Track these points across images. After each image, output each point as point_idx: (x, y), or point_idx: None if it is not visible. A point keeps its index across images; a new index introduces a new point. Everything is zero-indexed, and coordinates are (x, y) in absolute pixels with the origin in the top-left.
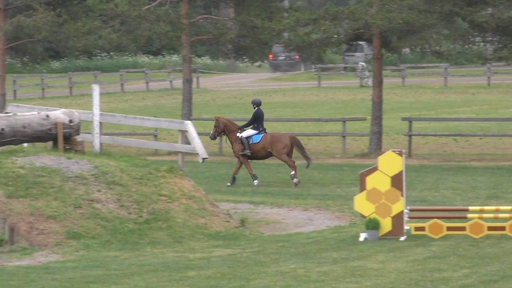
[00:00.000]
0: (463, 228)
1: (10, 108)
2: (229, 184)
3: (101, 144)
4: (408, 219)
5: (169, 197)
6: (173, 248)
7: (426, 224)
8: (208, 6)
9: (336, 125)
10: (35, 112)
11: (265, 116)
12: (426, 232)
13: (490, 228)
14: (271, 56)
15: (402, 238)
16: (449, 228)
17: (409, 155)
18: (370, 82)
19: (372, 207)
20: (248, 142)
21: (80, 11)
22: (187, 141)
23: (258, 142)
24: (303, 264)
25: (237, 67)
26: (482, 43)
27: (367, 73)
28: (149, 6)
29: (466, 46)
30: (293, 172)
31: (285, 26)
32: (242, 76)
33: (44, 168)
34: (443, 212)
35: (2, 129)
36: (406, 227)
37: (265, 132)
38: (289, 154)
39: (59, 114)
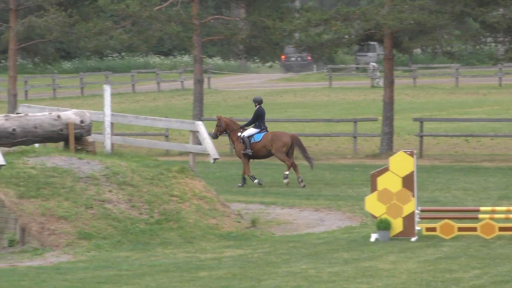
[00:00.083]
0: (474, 229)
1: (21, 108)
2: (240, 184)
3: (112, 144)
4: (419, 219)
5: (180, 198)
6: (184, 249)
7: (437, 224)
8: (219, 7)
9: (347, 125)
10: (47, 113)
11: (276, 117)
12: (437, 233)
13: (501, 229)
14: (283, 57)
15: (413, 239)
16: (460, 229)
17: (420, 155)
18: (381, 82)
19: (383, 208)
20: (250, 141)
21: (91, 11)
22: (198, 142)
23: (259, 141)
24: (314, 265)
25: (248, 68)
26: (493, 44)
27: (378, 74)
28: (160, 6)
29: (478, 47)
30: (287, 172)
31: (296, 26)
32: (253, 76)
33: (56, 169)
34: (454, 213)
35: (14, 129)
36: (417, 227)
37: (267, 131)
38: (290, 153)
39: (70, 115)
